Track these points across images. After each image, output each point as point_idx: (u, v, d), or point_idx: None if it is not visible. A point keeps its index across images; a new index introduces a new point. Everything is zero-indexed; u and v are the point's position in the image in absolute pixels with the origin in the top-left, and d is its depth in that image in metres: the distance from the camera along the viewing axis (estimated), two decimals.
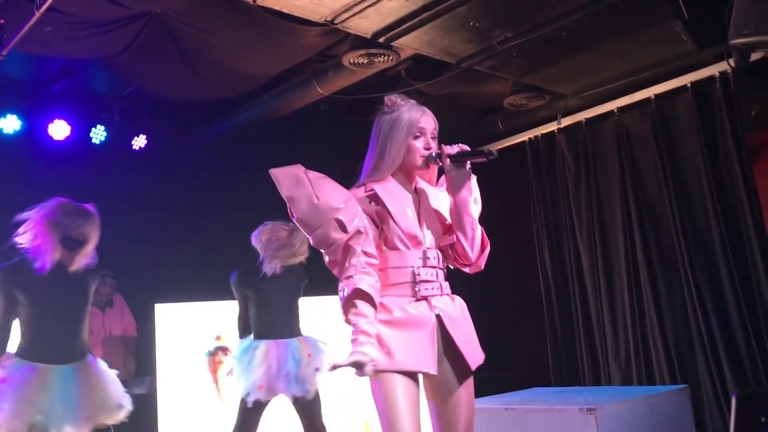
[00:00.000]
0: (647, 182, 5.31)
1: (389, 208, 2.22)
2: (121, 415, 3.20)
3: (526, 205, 6.18)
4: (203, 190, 5.53)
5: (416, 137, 2.26)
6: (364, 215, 2.18)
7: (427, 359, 2.14)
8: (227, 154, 5.63)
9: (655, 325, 5.16)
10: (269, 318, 4.07)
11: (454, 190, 2.27)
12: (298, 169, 2.20)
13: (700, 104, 4.97)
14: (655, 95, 5.19)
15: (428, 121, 2.29)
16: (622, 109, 5.43)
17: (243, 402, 3.92)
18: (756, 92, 5.05)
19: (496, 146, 6.05)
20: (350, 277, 2.10)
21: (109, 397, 3.18)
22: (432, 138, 2.29)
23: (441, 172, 2.35)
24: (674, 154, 5.13)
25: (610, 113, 5.50)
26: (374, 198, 2.23)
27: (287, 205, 2.18)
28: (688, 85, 4.99)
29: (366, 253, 2.13)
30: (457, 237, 2.29)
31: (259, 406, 3.92)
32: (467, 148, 2.27)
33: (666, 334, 5.12)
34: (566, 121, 5.78)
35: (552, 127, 5.87)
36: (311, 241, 2.20)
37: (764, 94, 5.09)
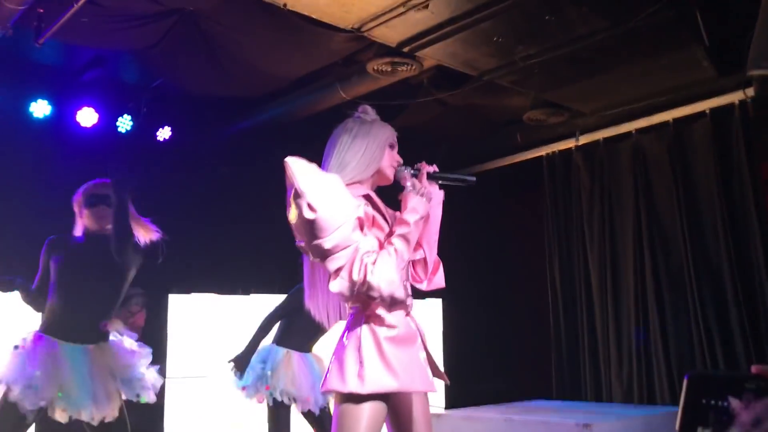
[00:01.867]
0: (660, 205, 5.35)
1: (385, 213, 2.14)
2: (145, 393, 3.22)
3: (539, 218, 6.22)
4: (223, 183, 5.61)
5: (391, 147, 2.24)
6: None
7: (428, 377, 2.06)
8: (249, 150, 5.71)
9: (659, 346, 5.20)
10: (291, 327, 4.05)
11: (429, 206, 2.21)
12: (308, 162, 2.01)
13: (718, 131, 5.01)
14: (673, 119, 5.22)
15: (396, 139, 2.28)
16: (640, 131, 5.48)
17: (277, 408, 3.90)
18: None
19: (513, 159, 6.12)
20: (373, 272, 1.92)
21: (130, 376, 3.20)
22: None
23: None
24: (689, 179, 5.17)
25: (628, 134, 5.54)
26: (369, 200, 2.11)
27: (302, 199, 1.90)
28: (707, 111, 5.03)
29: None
30: (424, 253, 2.25)
31: (288, 413, 3.94)
32: (437, 169, 2.26)
33: (669, 355, 5.16)
34: (584, 139, 5.81)
35: (570, 143, 5.91)
36: (321, 245, 1.91)
37: None
